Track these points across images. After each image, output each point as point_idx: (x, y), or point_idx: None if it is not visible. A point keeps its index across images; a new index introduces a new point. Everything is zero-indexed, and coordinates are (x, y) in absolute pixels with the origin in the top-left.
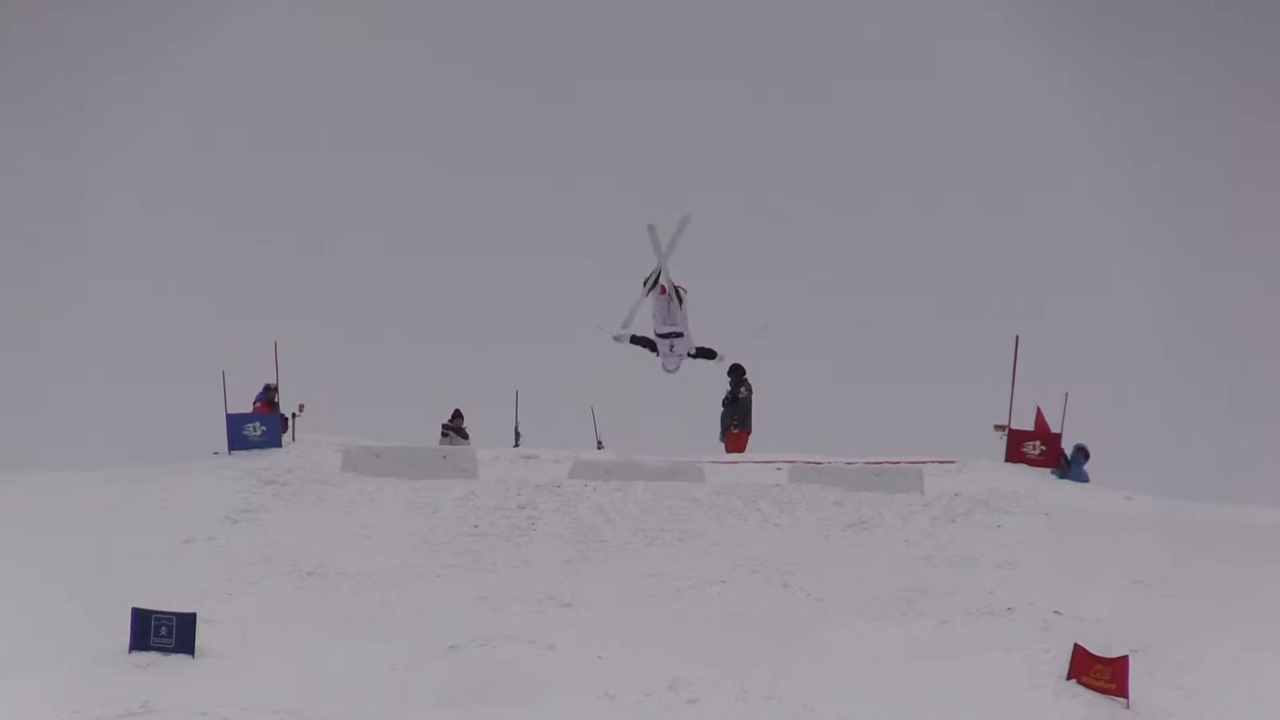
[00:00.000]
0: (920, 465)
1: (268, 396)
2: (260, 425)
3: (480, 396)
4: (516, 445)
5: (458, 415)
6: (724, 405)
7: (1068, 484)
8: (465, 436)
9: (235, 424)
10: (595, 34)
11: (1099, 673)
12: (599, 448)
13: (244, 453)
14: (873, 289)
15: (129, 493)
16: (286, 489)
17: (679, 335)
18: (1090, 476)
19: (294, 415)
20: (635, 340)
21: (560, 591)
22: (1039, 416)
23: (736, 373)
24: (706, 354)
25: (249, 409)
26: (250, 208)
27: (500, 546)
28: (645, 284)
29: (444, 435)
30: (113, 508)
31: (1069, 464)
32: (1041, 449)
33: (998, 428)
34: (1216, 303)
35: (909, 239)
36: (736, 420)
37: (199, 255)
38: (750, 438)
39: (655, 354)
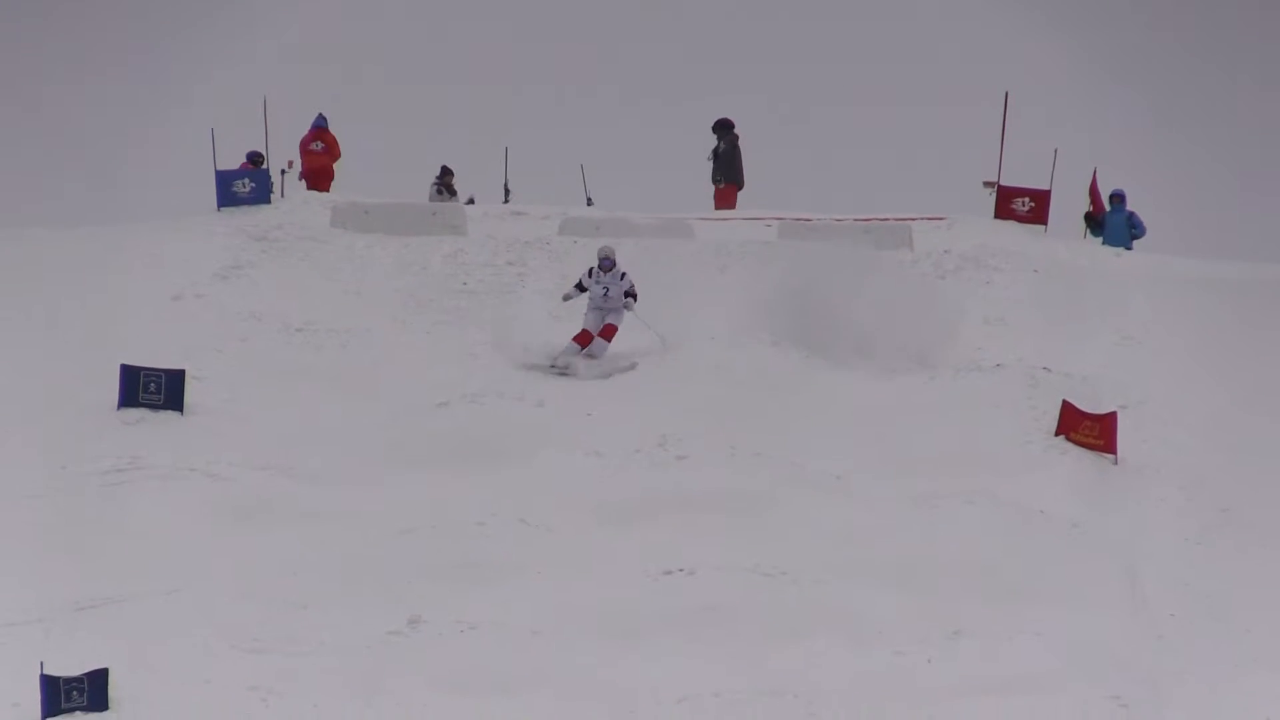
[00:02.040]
0: (909, 222)
1: (321, 122)
2: (249, 182)
3: (468, 152)
4: (506, 202)
5: (446, 173)
6: (710, 161)
7: (1057, 240)
8: (454, 194)
9: (224, 180)
10: None
11: (1087, 429)
12: (588, 205)
13: (233, 209)
14: (865, 52)
15: (117, 248)
16: (275, 245)
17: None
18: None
19: (283, 172)
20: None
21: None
22: (1094, 182)
23: (722, 128)
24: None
25: (239, 165)
26: None
27: (489, 303)
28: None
29: (437, 193)
30: (101, 263)
31: (1099, 222)
32: (1031, 205)
33: (987, 184)
34: (1210, 49)
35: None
36: (721, 175)
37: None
38: (741, 193)
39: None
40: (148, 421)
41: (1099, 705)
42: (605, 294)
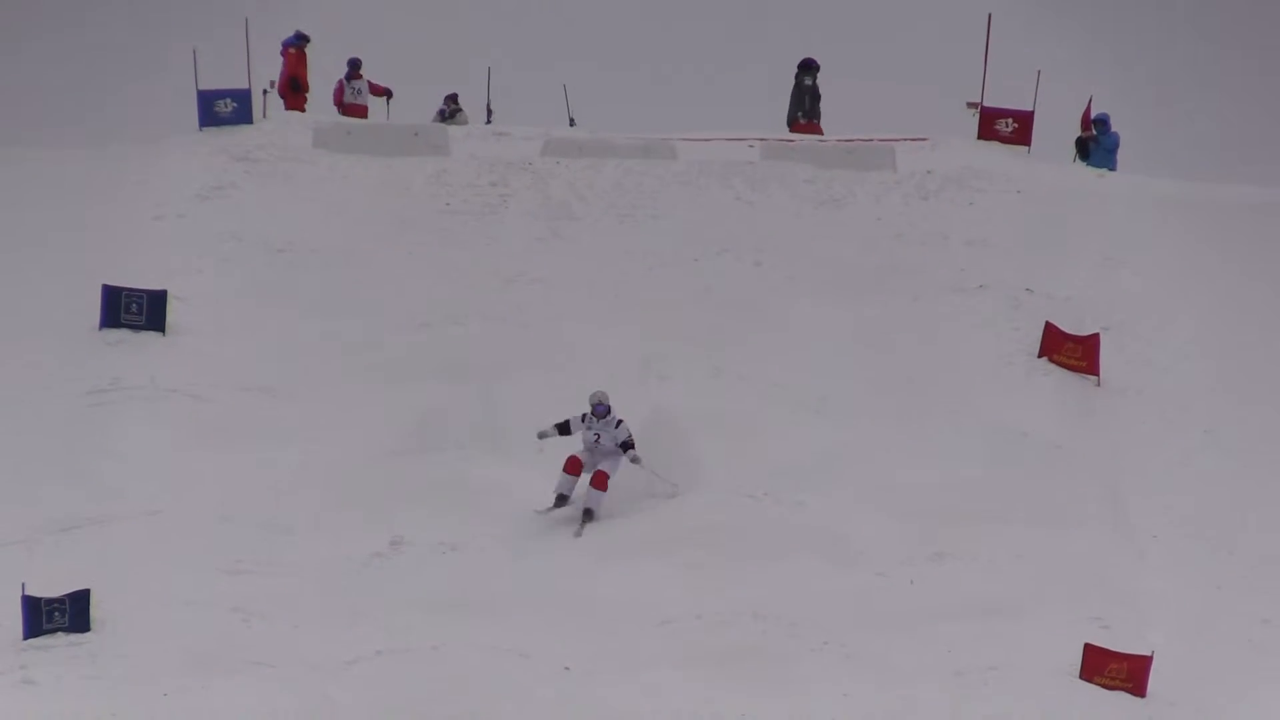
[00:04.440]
0: (892, 142)
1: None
2: (231, 101)
3: (451, 73)
4: (488, 122)
5: (453, 99)
6: (792, 95)
7: (1040, 161)
8: (457, 113)
9: (206, 99)
10: None
11: (1070, 350)
12: (571, 125)
13: (215, 129)
14: None
15: (98, 169)
16: (258, 166)
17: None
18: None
19: (264, 92)
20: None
21: (532, 268)
22: (1088, 109)
23: (806, 67)
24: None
25: (221, 85)
26: None
27: (471, 224)
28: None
29: (449, 117)
30: (82, 184)
31: (1089, 145)
32: (1014, 126)
33: (970, 105)
34: None
35: None
36: (803, 112)
37: None
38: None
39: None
40: (129, 342)
41: (1081, 626)
42: (597, 441)
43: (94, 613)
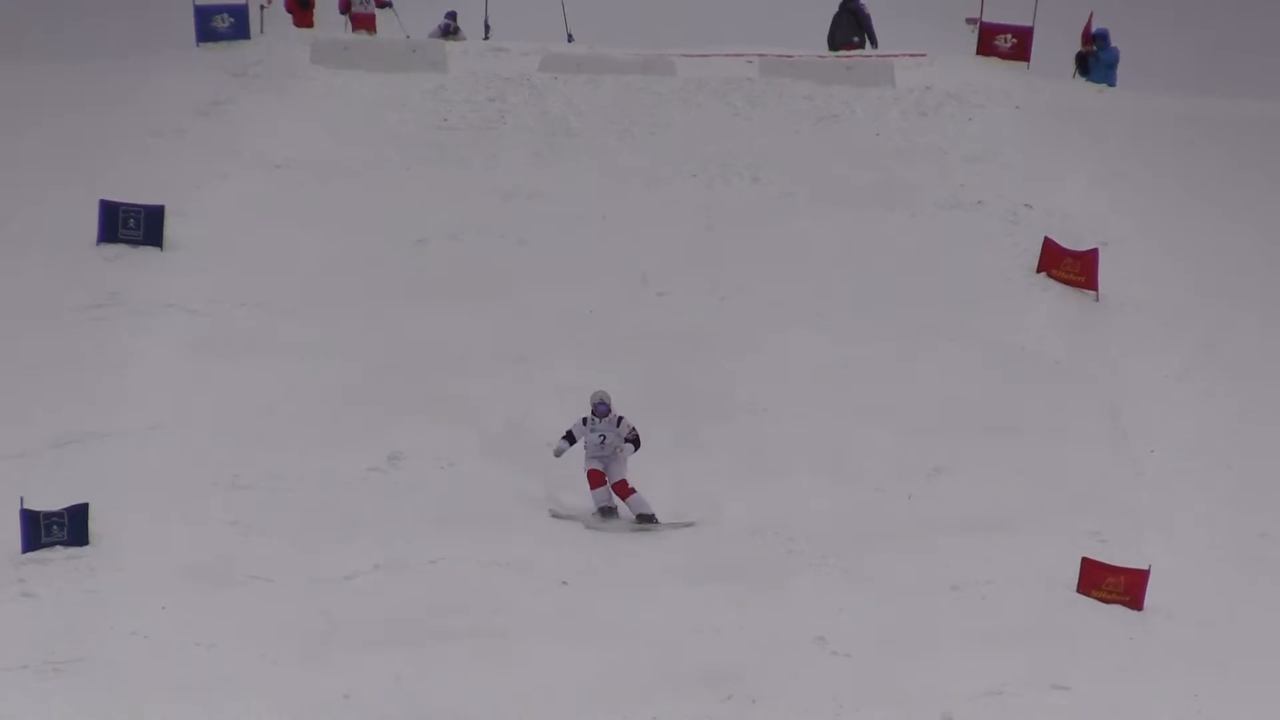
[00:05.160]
0: (891, 58)
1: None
2: (229, 16)
3: None
4: (486, 38)
5: (452, 16)
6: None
7: (1039, 77)
8: (457, 32)
9: (203, 15)
10: None
11: (1069, 266)
12: (569, 41)
13: (212, 45)
14: None
15: (95, 84)
16: (255, 81)
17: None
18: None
19: (262, 7)
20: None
21: (530, 184)
22: (1088, 24)
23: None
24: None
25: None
26: None
27: (469, 140)
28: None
29: (444, 33)
30: (79, 99)
31: (1089, 60)
32: (1013, 42)
33: (969, 21)
34: None
35: None
36: (853, 35)
37: None
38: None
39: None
40: (126, 257)
41: (1079, 540)
42: (602, 442)
43: (92, 526)
